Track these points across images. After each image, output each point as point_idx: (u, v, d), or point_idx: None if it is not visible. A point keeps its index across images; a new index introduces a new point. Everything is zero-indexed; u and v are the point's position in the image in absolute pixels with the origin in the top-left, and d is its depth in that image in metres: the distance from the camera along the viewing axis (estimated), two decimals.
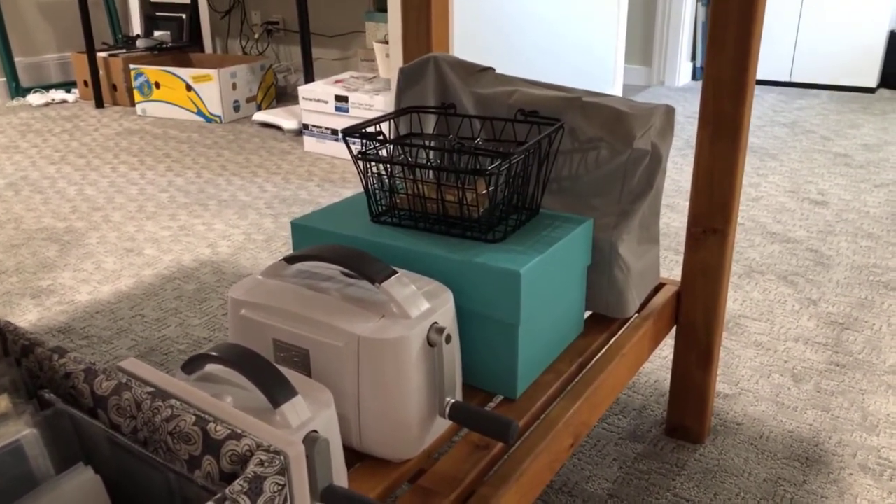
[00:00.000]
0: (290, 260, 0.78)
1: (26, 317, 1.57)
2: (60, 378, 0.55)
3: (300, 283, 0.76)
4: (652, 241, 1.02)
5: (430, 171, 0.90)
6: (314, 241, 0.89)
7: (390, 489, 0.70)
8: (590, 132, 0.92)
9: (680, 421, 1.16)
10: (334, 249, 0.75)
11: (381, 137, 0.84)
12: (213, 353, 0.62)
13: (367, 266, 0.72)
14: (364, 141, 0.85)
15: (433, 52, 1.05)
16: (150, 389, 0.52)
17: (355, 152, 0.86)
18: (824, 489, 1.06)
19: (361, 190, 0.85)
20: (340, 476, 0.65)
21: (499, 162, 0.78)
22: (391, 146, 0.88)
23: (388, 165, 0.86)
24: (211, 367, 0.66)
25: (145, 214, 2.16)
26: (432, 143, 0.97)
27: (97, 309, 1.60)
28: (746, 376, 1.33)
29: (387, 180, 0.88)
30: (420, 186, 0.86)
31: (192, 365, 0.64)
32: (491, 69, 1.01)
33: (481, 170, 0.77)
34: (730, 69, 0.94)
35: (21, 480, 0.48)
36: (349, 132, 0.84)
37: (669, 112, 0.94)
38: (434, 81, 1.02)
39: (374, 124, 0.88)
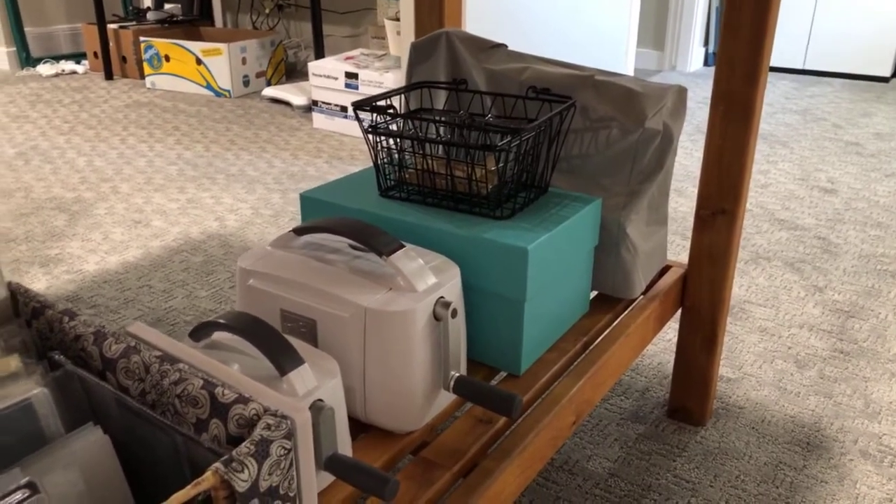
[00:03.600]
0: (298, 231, 0.78)
1: (35, 285, 1.58)
2: (70, 340, 0.56)
3: (308, 255, 0.76)
4: (660, 222, 1.02)
5: (440, 147, 0.90)
6: (323, 214, 0.89)
7: (394, 460, 0.71)
8: (601, 111, 0.92)
9: (682, 403, 1.17)
10: (343, 222, 0.75)
11: (391, 111, 0.84)
12: (221, 321, 0.62)
13: (375, 239, 0.73)
14: (374, 115, 0.85)
15: (445, 28, 1.04)
16: (158, 353, 0.52)
17: (365, 126, 0.85)
18: (824, 474, 1.06)
19: (370, 166, 0.85)
20: (345, 445, 0.66)
21: (509, 138, 0.78)
22: (401, 120, 0.87)
23: (398, 140, 0.86)
24: (218, 335, 0.67)
25: (153, 186, 2.16)
26: (443, 119, 0.97)
27: (105, 279, 1.61)
28: (750, 361, 1.34)
29: (396, 155, 0.88)
30: (429, 161, 0.86)
31: (199, 332, 0.65)
32: (503, 45, 1.01)
33: (491, 145, 0.77)
34: (744, 49, 0.94)
35: (31, 438, 0.49)
36: (360, 105, 0.84)
37: (682, 92, 0.94)
38: (445, 57, 1.01)
39: (385, 98, 0.88)
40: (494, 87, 0.98)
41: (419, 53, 1.03)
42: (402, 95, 0.96)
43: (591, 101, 0.92)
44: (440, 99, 1.02)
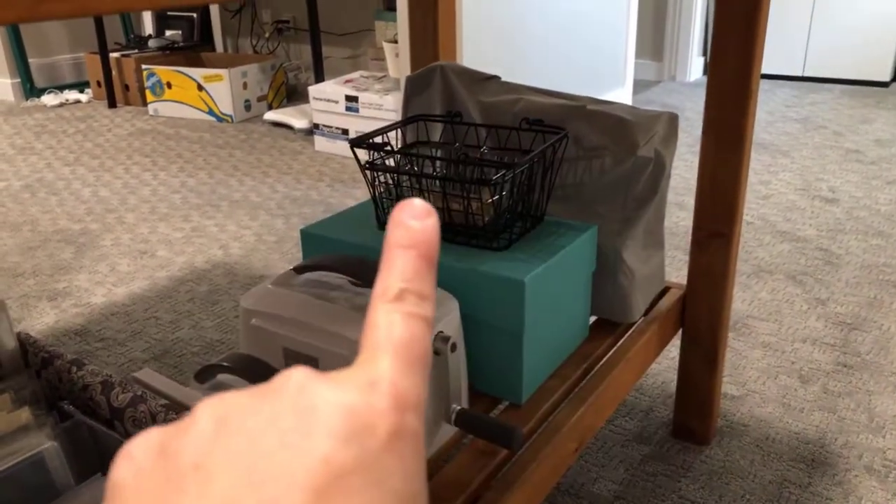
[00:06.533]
0: (299, 269, 0.80)
1: (43, 319, 1.60)
2: (79, 390, 0.57)
3: (309, 293, 0.77)
4: (657, 245, 1.03)
5: (437, 180, 0.91)
6: (323, 249, 0.90)
7: None
8: (594, 140, 0.93)
9: (686, 423, 1.17)
10: (341, 259, 0.76)
11: (387, 148, 0.86)
12: (224, 364, 0.64)
13: (374, 275, 0.74)
14: (371, 151, 0.86)
15: (440, 61, 1.06)
16: (163, 402, 0.54)
17: (362, 161, 0.87)
18: (829, 491, 1.07)
19: (370, 197, 0.87)
20: None
21: (503, 172, 0.80)
22: (398, 156, 0.89)
23: (395, 175, 0.87)
24: (222, 377, 0.68)
25: (158, 216, 2.18)
26: (438, 153, 0.98)
27: (112, 311, 1.63)
28: (753, 377, 1.34)
29: (394, 189, 0.90)
30: (426, 195, 0.87)
31: (204, 374, 0.66)
32: (496, 77, 1.02)
33: (486, 180, 0.79)
34: (732, 78, 0.95)
35: (43, 490, 0.50)
36: (356, 143, 0.86)
37: (673, 119, 0.95)
38: (440, 90, 1.03)
39: (381, 134, 0.90)
40: (488, 118, 1.00)
41: (414, 86, 1.04)
42: (399, 129, 0.98)
43: (584, 131, 0.94)
44: (436, 131, 1.04)
